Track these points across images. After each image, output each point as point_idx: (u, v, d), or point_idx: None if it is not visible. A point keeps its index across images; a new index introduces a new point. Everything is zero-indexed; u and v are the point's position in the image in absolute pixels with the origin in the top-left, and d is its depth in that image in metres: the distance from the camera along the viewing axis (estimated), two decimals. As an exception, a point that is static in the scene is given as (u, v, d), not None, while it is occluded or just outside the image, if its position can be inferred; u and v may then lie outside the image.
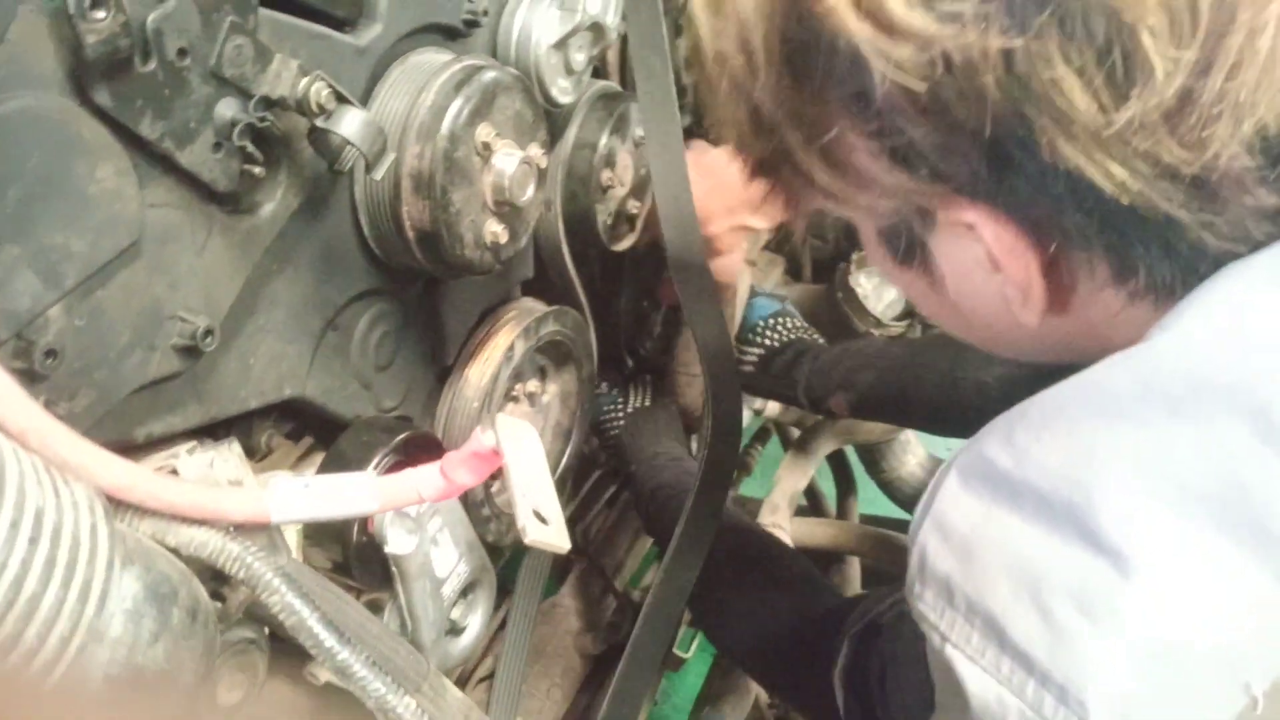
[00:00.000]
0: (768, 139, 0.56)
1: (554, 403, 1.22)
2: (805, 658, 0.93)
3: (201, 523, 0.51)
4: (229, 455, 0.53)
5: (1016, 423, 0.51)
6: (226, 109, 0.66)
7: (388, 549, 0.88)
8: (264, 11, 0.69)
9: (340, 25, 0.79)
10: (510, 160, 0.86)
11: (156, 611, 0.46)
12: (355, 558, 0.88)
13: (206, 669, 0.51)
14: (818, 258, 1.57)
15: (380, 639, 0.70)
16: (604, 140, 1.08)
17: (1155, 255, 0.50)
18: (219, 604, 0.59)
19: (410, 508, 0.88)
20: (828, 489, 1.78)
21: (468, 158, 0.83)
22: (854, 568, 1.50)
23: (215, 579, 0.59)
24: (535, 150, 0.90)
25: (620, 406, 1.40)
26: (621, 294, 1.31)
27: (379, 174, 0.73)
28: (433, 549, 0.94)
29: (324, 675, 0.81)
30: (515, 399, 1.13)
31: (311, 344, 0.84)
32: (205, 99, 0.64)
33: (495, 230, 0.88)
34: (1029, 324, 0.56)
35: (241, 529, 0.53)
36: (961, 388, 1.15)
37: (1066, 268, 0.53)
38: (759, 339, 1.34)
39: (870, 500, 1.74)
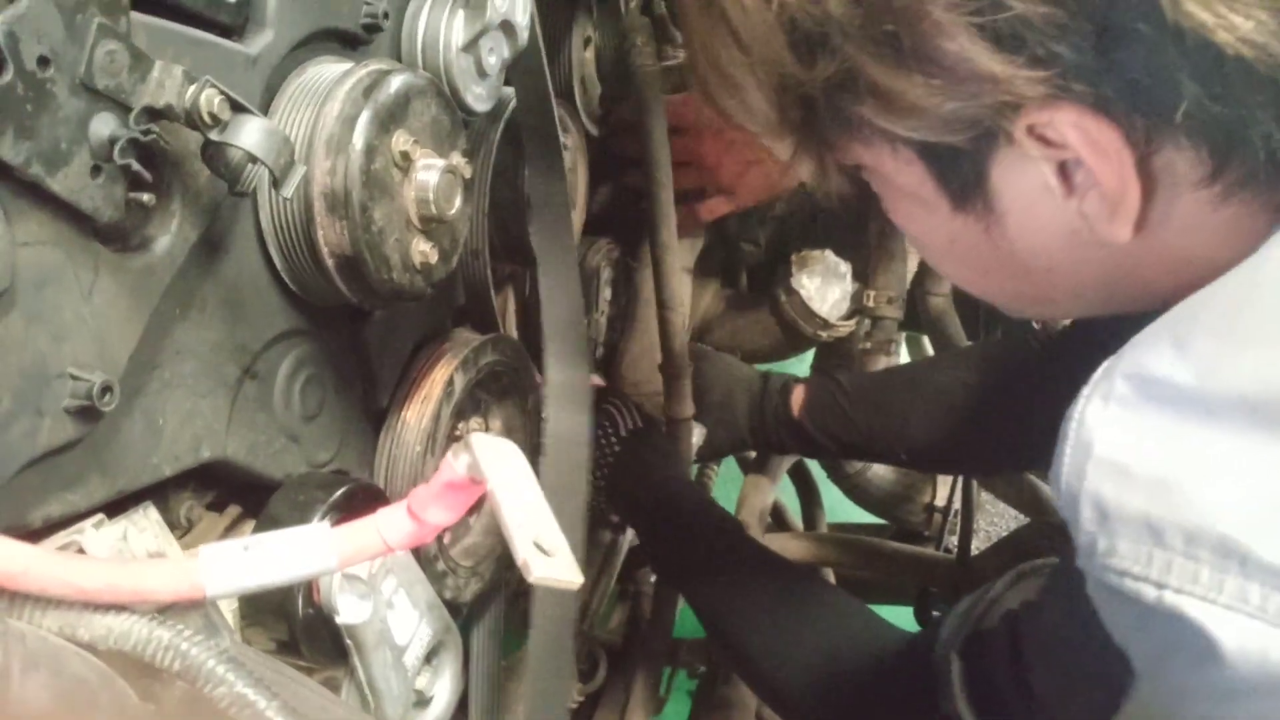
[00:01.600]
0: (826, 62, 0.53)
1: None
2: (898, 694, 0.85)
3: (120, 608, 0.41)
4: (145, 523, 0.44)
5: (1186, 333, 0.47)
6: (103, 126, 0.56)
7: (339, 619, 0.78)
8: (137, 16, 0.60)
9: (226, 34, 0.70)
10: (432, 171, 0.78)
11: (72, 727, 0.36)
12: (303, 633, 0.78)
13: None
14: (751, 265, 1.52)
15: (326, 710, 0.61)
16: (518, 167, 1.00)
17: (1269, 127, 0.47)
18: (151, 706, 0.49)
19: (360, 569, 0.79)
20: (789, 503, 1.71)
21: (386, 170, 0.75)
22: (828, 575, 1.43)
23: (146, 675, 0.49)
24: (458, 159, 0.82)
25: (611, 432, 1.25)
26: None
27: (288, 191, 0.64)
28: (389, 614, 0.85)
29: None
30: (458, 438, 1.04)
31: (228, 397, 0.74)
32: (77, 114, 0.55)
33: (424, 249, 0.80)
34: (1119, 239, 0.52)
35: (170, 611, 0.43)
36: (943, 392, 1.13)
37: (1156, 167, 0.50)
38: None
39: (831, 508, 1.69)
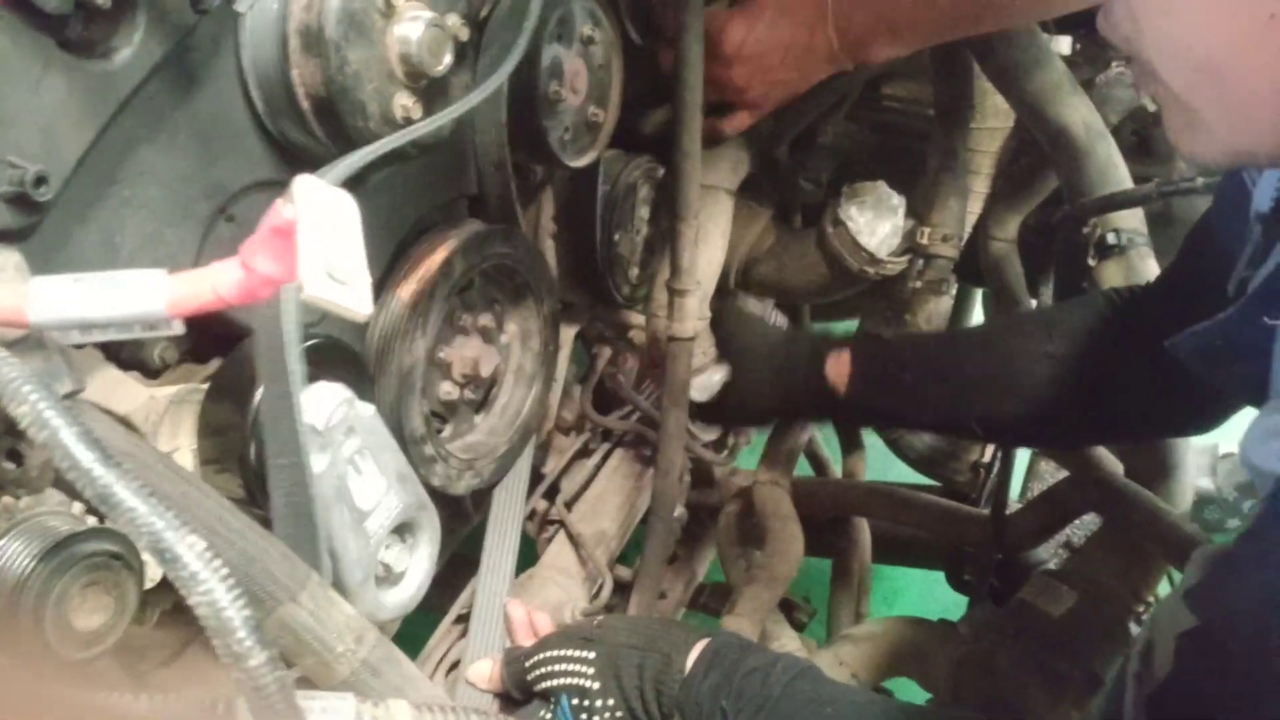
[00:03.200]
0: None
1: (513, 344, 1.11)
2: None
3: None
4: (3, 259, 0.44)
5: None
6: (48, -88, 0.57)
7: (295, 468, 0.78)
8: None
9: None
10: (417, 23, 0.77)
11: None
12: (256, 477, 0.78)
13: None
14: (807, 202, 1.47)
15: (244, 535, 0.60)
16: (545, 50, 0.98)
17: None
18: (14, 467, 0.49)
19: (318, 419, 0.78)
20: (834, 456, 1.65)
21: (365, 12, 0.74)
22: (863, 533, 1.37)
23: (9, 434, 0.49)
24: (454, 20, 0.80)
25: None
26: (596, 220, 1.20)
27: (243, 6, 0.64)
28: (353, 476, 0.84)
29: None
30: (464, 331, 1.03)
31: (198, 230, 0.75)
32: (19, -105, 0.55)
33: (406, 104, 0.79)
34: None
35: (17, 346, 0.43)
36: (1019, 361, 1.04)
37: None
38: None
39: (881, 470, 1.62)
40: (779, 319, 1.22)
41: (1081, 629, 1.06)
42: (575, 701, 0.90)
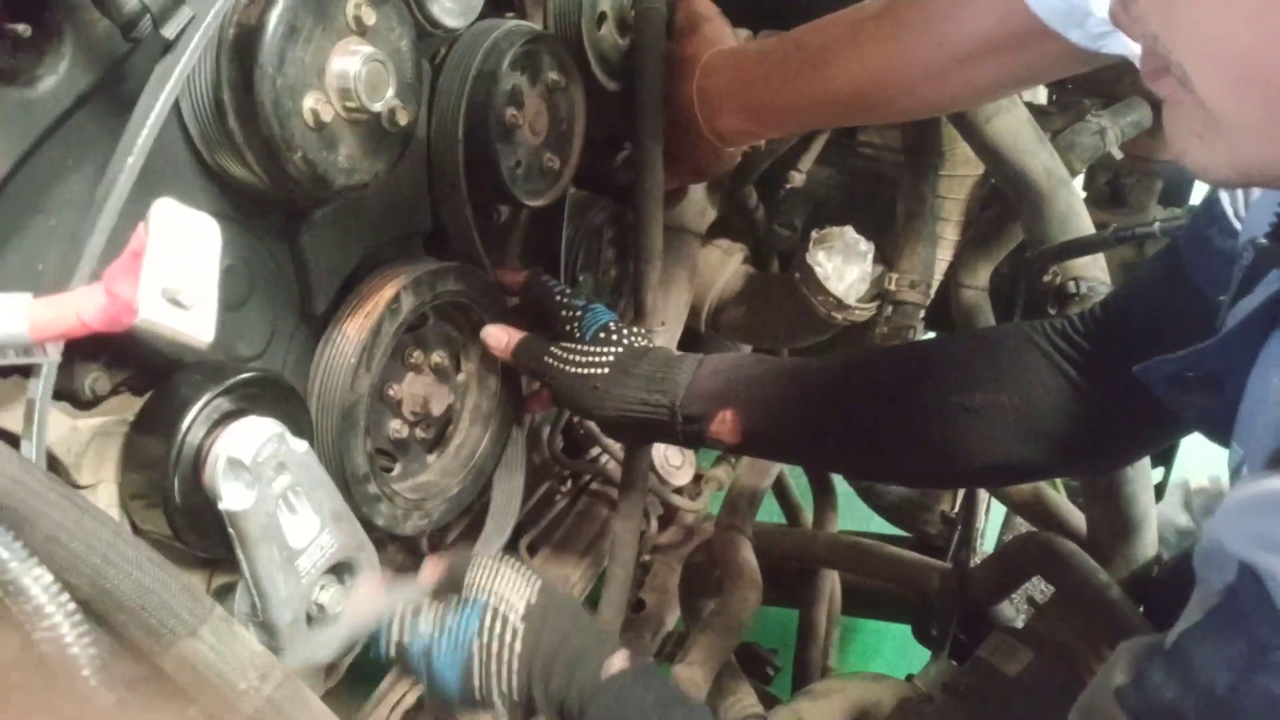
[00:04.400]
0: None
1: (470, 383, 1.10)
2: None
3: None
4: None
5: None
6: (-38, -60, 0.57)
7: (221, 505, 0.77)
8: None
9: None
10: (355, 57, 0.77)
11: None
12: (180, 513, 0.76)
13: None
14: (783, 248, 1.46)
15: (138, 565, 0.58)
16: (505, 71, 0.98)
17: None
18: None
19: (245, 454, 0.77)
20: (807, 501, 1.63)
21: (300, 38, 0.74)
22: (831, 584, 1.34)
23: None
24: (394, 57, 0.80)
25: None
26: (561, 261, 1.19)
27: (169, 32, 0.64)
28: (284, 514, 0.82)
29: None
30: (417, 369, 1.02)
31: (127, 262, 0.74)
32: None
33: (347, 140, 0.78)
34: None
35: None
36: (933, 417, 0.93)
37: None
38: (612, 337, 1.02)
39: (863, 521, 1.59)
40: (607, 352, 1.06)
41: (1035, 689, 1.04)
42: (488, 621, 0.86)
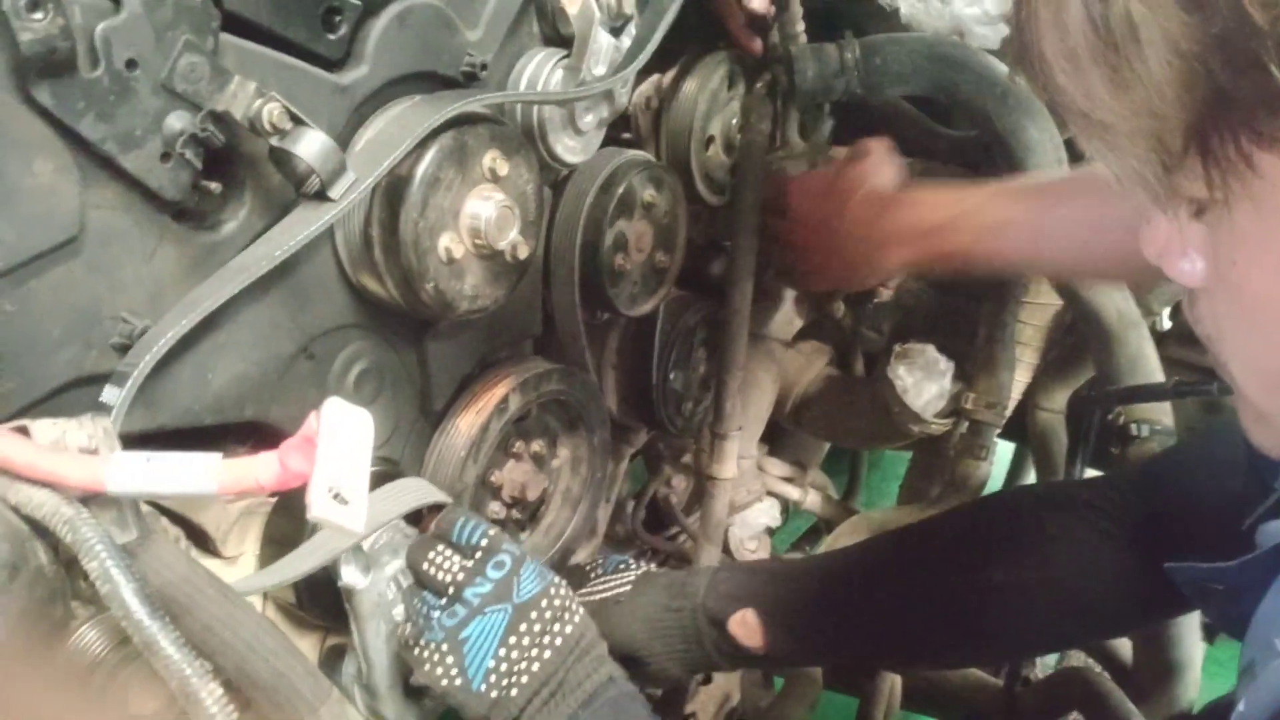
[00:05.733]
0: (1238, 69, 0.46)
1: (564, 468, 1.20)
2: None
3: (48, 487, 0.51)
4: (91, 428, 0.54)
5: None
6: (177, 121, 0.69)
7: (341, 583, 0.88)
8: (234, 39, 0.73)
9: (328, 66, 0.83)
10: (487, 204, 0.88)
11: (-41, 556, 0.46)
12: (306, 590, 0.88)
13: (29, 631, 0.51)
14: (869, 350, 1.53)
15: (275, 654, 0.69)
16: (617, 198, 1.08)
17: None
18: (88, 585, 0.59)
19: (364, 542, 0.88)
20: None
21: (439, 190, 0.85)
22: (891, 681, 1.39)
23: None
24: (518, 193, 0.91)
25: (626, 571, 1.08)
26: (654, 359, 1.28)
27: (336, 193, 0.75)
28: (394, 593, 0.93)
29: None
30: (518, 456, 1.12)
31: (280, 368, 0.86)
32: (154, 110, 0.68)
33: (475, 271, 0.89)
34: None
35: (93, 502, 0.54)
36: (958, 597, 0.94)
37: None
38: (632, 566, 1.09)
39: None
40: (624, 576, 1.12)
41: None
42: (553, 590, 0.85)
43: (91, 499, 0.53)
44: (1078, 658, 1.39)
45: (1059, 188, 1.09)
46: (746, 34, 1.18)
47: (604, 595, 1.07)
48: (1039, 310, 1.37)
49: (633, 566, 1.08)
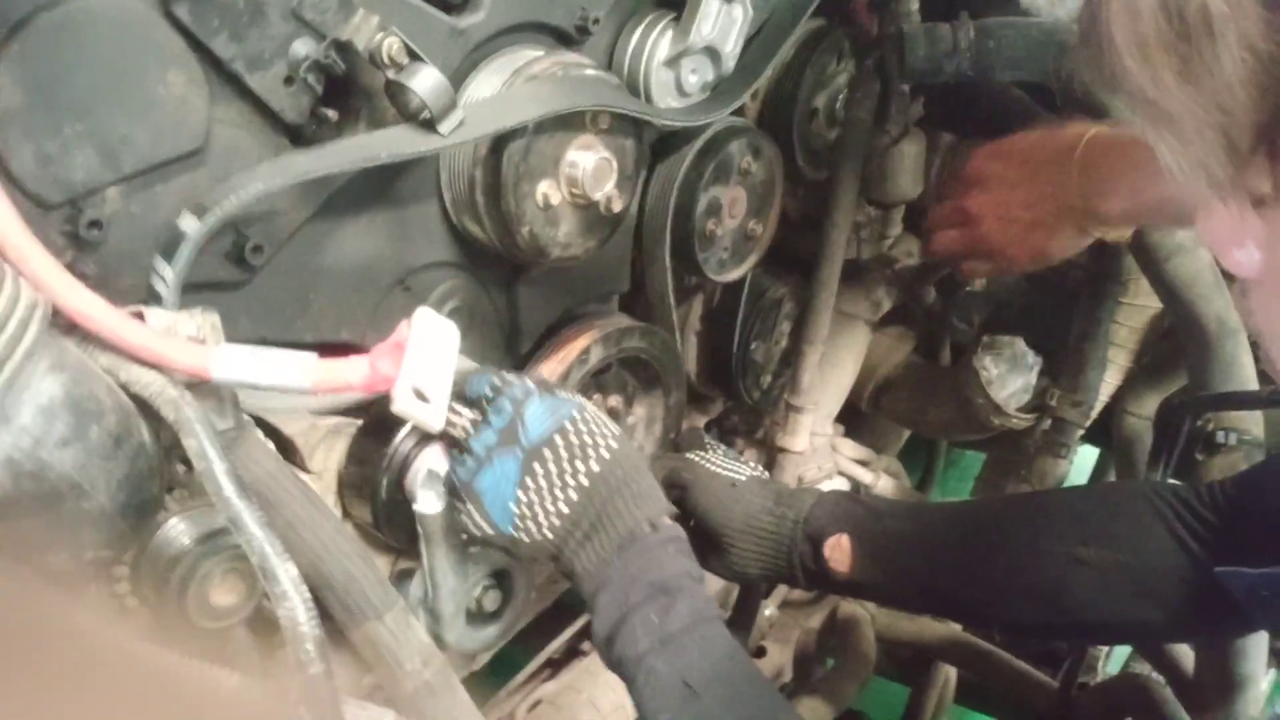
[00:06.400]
0: None
1: (638, 426, 1.22)
2: None
3: (155, 368, 0.55)
4: (201, 320, 0.58)
5: None
6: (302, 47, 0.73)
7: (415, 507, 0.91)
8: (364, -26, 0.77)
9: (448, 8, 0.86)
10: (587, 154, 0.90)
11: (73, 420, 0.50)
12: (384, 509, 0.92)
13: (130, 502, 0.55)
14: (959, 340, 1.51)
15: (349, 557, 0.73)
16: (702, 195, 1.09)
17: None
18: (185, 470, 0.63)
19: (441, 469, 0.91)
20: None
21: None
22: (946, 673, 1.39)
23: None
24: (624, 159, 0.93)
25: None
26: (736, 331, 1.29)
27: (444, 129, 0.78)
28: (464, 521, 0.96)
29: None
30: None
31: (377, 297, 0.90)
32: (283, 34, 0.72)
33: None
34: None
35: (198, 389, 0.58)
36: (1046, 563, 0.95)
37: None
38: (749, 462, 1.12)
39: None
40: (741, 465, 1.12)
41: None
42: (580, 416, 0.81)
43: (195, 386, 0.57)
44: (1141, 667, 1.36)
45: None
46: (866, 12, 1.17)
47: (719, 470, 1.08)
48: (1136, 311, 1.34)
49: (749, 464, 1.10)
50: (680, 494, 1.10)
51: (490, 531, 0.81)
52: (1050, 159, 1.12)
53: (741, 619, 1.31)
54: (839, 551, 1.03)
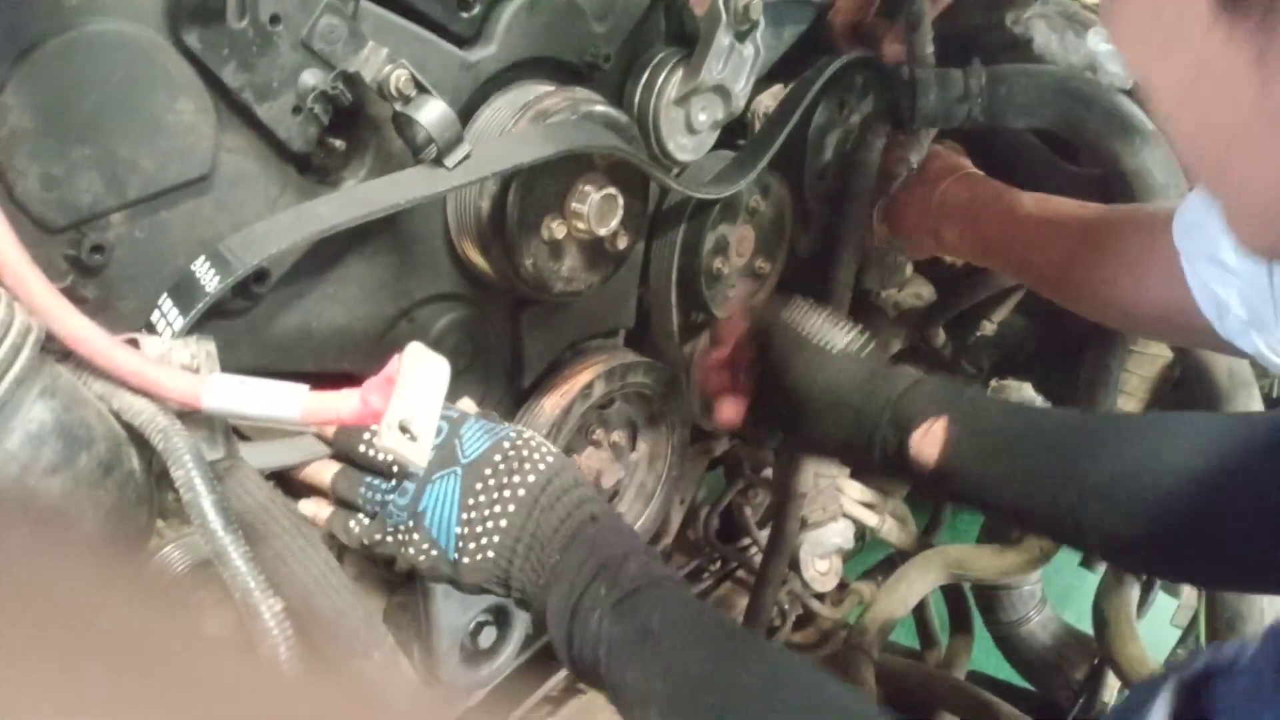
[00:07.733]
0: None
1: (641, 462, 1.21)
2: None
3: (147, 396, 0.55)
4: (195, 346, 0.58)
5: None
6: (311, 78, 0.73)
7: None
8: (373, 6, 0.77)
9: (459, 42, 0.86)
10: (592, 190, 0.90)
11: (62, 447, 0.50)
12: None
13: (115, 530, 0.54)
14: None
15: (337, 591, 0.72)
16: (709, 234, 1.09)
17: None
18: (176, 501, 0.63)
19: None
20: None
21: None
22: (950, 721, 1.36)
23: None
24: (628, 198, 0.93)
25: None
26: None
27: (451, 163, 0.78)
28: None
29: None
30: (597, 444, 1.14)
31: (381, 328, 0.89)
32: (291, 64, 0.72)
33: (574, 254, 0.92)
34: None
35: (189, 418, 0.57)
36: (1154, 470, 0.85)
37: None
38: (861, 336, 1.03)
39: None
40: (839, 333, 1.05)
41: None
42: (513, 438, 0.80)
43: (187, 415, 0.57)
44: None
45: (1115, 215, 1.10)
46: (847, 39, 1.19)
47: (810, 333, 1.03)
48: (1147, 361, 1.33)
49: (849, 332, 1.03)
50: (762, 354, 1.05)
51: (435, 554, 0.78)
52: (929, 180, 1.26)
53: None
54: (929, 438, 0.93)
